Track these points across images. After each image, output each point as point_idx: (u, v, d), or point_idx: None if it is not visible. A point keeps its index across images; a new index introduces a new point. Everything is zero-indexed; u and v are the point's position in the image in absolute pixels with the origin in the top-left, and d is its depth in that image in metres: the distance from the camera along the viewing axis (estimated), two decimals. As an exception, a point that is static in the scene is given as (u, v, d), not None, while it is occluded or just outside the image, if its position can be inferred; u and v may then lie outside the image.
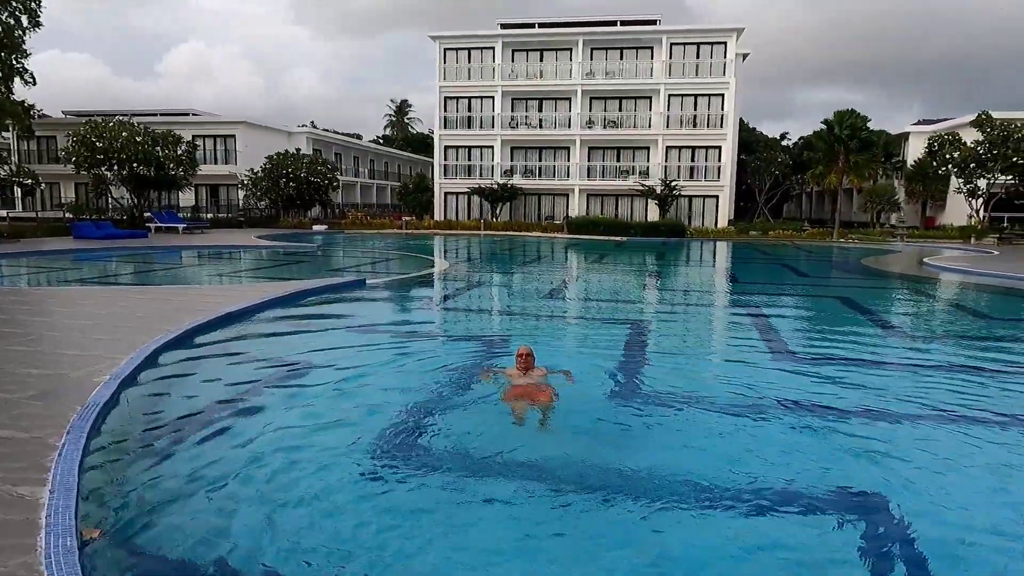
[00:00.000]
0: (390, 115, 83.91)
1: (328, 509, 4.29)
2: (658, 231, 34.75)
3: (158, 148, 32.40)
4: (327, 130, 59.76)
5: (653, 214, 40.17)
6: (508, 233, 38.41)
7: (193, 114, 47.88)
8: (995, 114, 32.84)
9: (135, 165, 32.04)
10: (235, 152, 44.55)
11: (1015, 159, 30.51)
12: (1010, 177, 32.30)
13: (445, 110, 43.51)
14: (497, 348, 8.81)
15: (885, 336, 10.46)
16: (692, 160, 41.45)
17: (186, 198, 43.87)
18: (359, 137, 65.01)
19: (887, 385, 7.31)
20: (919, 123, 48.32)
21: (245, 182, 40.88)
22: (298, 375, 7.26)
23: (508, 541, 3.99)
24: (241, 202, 43.16)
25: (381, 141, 77.55)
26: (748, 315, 12.06)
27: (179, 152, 33.67)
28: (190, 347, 8.33)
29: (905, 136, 45.21)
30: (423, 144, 78.61)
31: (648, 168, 41.47)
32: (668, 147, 41.28)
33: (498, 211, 41.73)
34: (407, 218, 42.17)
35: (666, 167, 40.72)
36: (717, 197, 41.15)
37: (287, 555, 3.71)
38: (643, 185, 39.44)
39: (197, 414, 5.91)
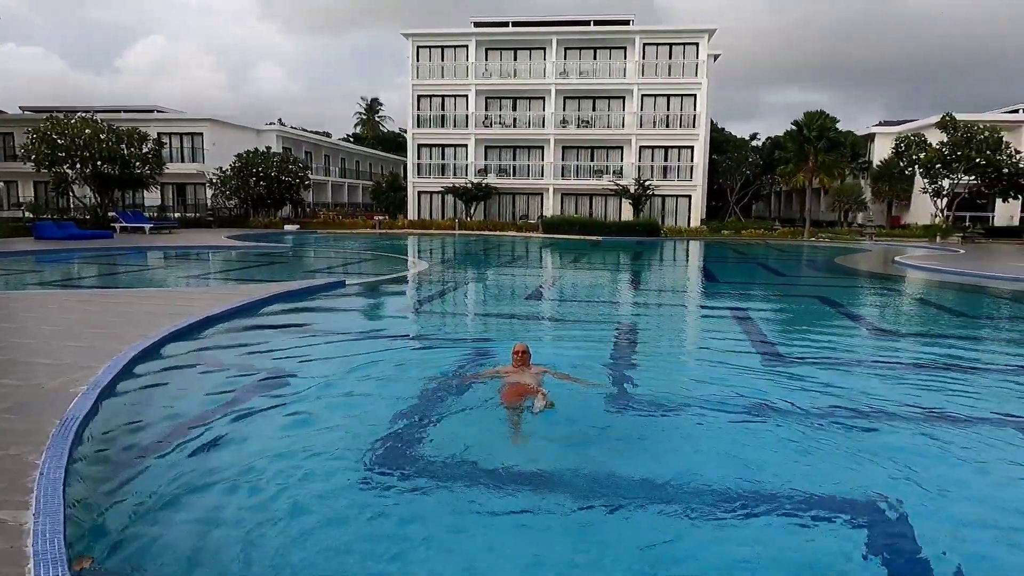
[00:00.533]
0: (360, 113, 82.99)
1: (325, 520, 4.15)
2: (633, 230, 34.91)
3: (123, 146, 31.48)
4: (294, 128, 58.81)
5: (627, 213, 40.36)
6: (483, 233, 38.23)
7: (158, 111, 46.68)
8: (958, 116, 33.68)
9: (99, 163, 31.08)
10: (203, 150, 43.55)
11: (978, 160, 31.34)
12: (972, 177, 33.17)
13: (419, 108, 43.14)
14: (486, 350, 8.65)
15: (870, 335, 10.56)
16: (665, 160, 41.76)
17: (152, 197, 42.71)
18: (328, 135, 64.04)
19: (871, 385, 7.34)
20: (883, 124, 49.41)
21: (214, 181, 39.98)
22: (285, 383, 7.01)
23: (512, 550, 3.91)
24: (210, 201, 42.20)
25: (351, 139, 76.64)
26: (734, 315, 12.09)
27: (145, 150, 32.77)
28: (169, 354, 8.00)
29: (871, 137, 46.17)
30: (394, 143, 78.00)
31: (622, 167, 41.67)
32: (641, 147, 41.52)
33: (472, 210, 41.54)
34: (379, 217, 41.72)
35: (640, 167, 40.95)
36: (690, 196, 41.52)
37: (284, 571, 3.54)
38: (617, 184, 39.61)
39: (181, 426, 5.64)
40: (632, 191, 38.95)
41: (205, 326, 9.51)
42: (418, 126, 43.20)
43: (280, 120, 54.09)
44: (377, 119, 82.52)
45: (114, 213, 33.77)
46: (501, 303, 14.04)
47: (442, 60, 42.92)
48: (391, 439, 5.45)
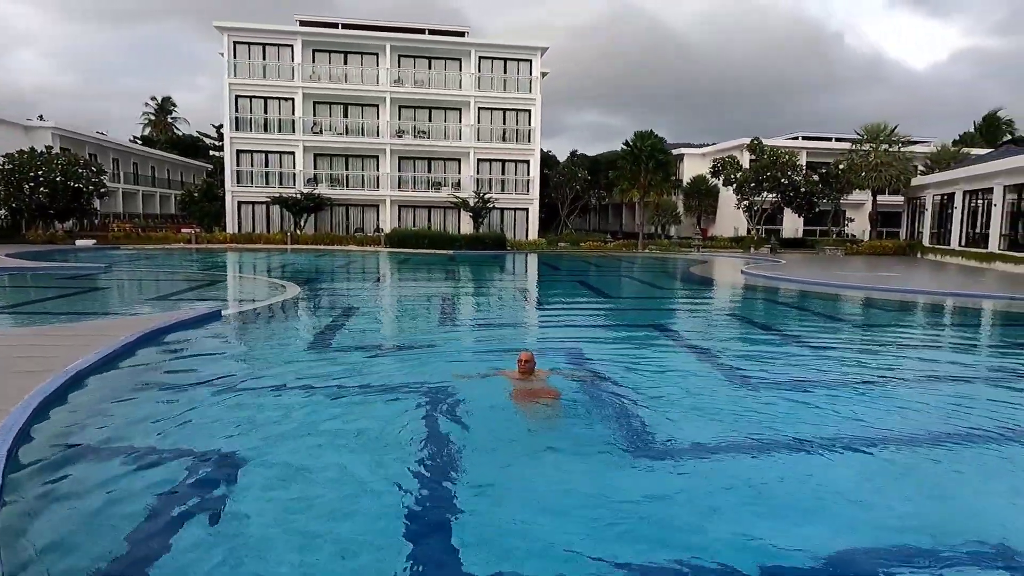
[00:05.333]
0: (149, 114, 73.71)
1: None
2: (483, 244, 34.41)
3: None
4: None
5: (466, 226, 39.84)
6: (320, 247, 35.37)
7: None
8: (766, 141, 37.98)
9: None
10: (-52, 148, 35.30)
11: (782, 179, 35.50)
12: (774, 195, 37.48)
13: (237, 110, 38.88)
14: (444, 388, 7.28)
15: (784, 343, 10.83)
16: (503, 173, 41.94)
17: None
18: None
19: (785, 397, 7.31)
20: (688, 145, 54.42)
21: (-30, 186, 32.50)
22: (211, 465, 5.17)
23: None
24: (-36, 211, 34.28)
25: (138, 142, 67.56)
26: (668, 332, 11.84)
27: None
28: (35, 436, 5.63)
29: (680, 157, 50.53)
30: (192, 147, 70.37)
31: (460, 180, 41.11)
32: (479, 159, 41.30)
33: (303, 223, 38.31)
34: (188, 230, 36.86)
35: (478, 179, 40.69)
36: (527, 210, 42.11)
37: None
38: (457, 197, 38.95)
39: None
40: (472, 204, 38.52)
41: (76, 385, 7.01)
42: (236, 129, 38.91)
43: (40, 117, 45.41)
44: (171, 120, 73.88)
45: None
46: (430, 327, 12.47)
47: (264, 59, 39.14)
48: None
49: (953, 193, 31.52)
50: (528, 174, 41.98)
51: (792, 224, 46.42)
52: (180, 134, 72.95)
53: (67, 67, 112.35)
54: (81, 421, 6.03)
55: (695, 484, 5.06)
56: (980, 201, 29.60)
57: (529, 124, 41.79)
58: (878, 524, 4.42)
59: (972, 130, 54.27)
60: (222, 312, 11.99)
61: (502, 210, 41.14)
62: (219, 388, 7.28)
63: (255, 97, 39.16)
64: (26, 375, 6.84)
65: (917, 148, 40.71)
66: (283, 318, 12.76)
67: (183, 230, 38.51)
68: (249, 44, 38.80)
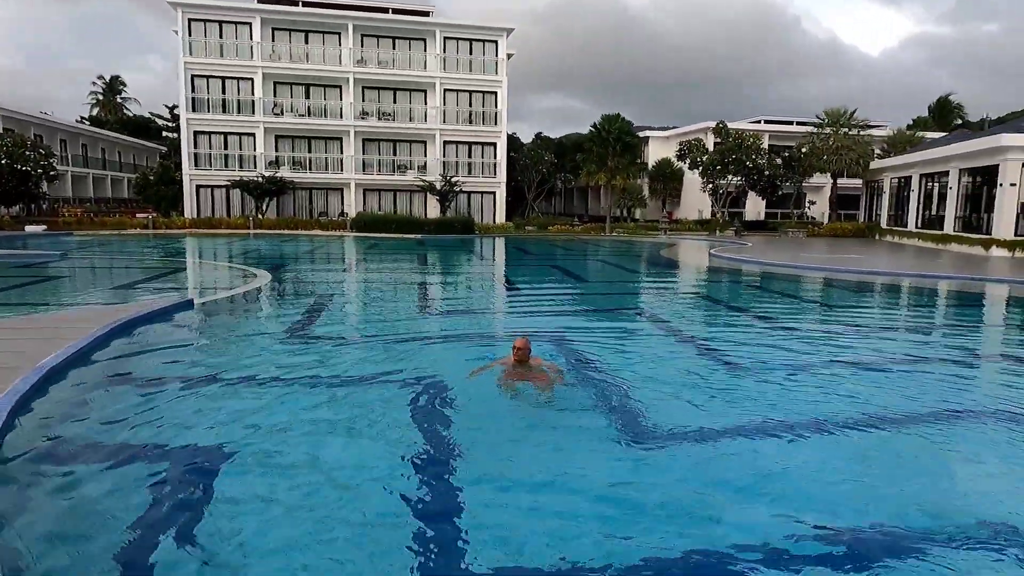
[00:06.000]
0: (96, 93, 70.69)
1: None
2: (452, 228, 34.09)
3: None
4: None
5: (433, 210, 39.40)
6: (284, 232, 34.59)
7: None
8: (730, 125, 38.36)
9: None
10: None
11: (746, 163, 35.97)
12: (739, 178, 37.99)
13: (193, 90, 37.55)
14: (432, 377, 7.17)
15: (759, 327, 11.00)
16: (469, 156, 41.54)
17: None
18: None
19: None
20: (651, 128, 54.69)
21: (-93, 170, 30.78)
22: (198, 459, 4.99)
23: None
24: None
25: (87, 123, 64.82)
26: (658, 319, 11.88)
27: None
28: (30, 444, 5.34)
29: (645, 140, 50.75)
30: (143, 128, 67.91)
31: (426, 163, 40.58)
32: (445, 142, 40.81)
33: (264, 207, 37.35)
34: (144, 215, 35.62)
35: (444, 162, 40.23)
36: (494, 193, 41.84)
37: None
38: (423, 180, 38.46)
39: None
40: (439, 187, 38.07)
41: (48, 383, 6.67)
42: (193, 110, 37.58)
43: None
44: (120, 100, 71.03)
45: None
46: (410, 314, 12.25)
47: (221, 37, 37.82)
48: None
49: (910, 176, 32.38)
50: (495, 157, 41.66)
51: (754, 207, 47.19)
52: (131, 115, 70.21)
53: (8, 47, 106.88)
54: (58, 424, 5.71)
55: (696, 470, 5.05)
56: (936, 184, 30.48)
57: (496, 106, 41.39)
58: (878, 506, 4.47)
59: (926, 114, 55.87)
60: (194, 301, 11.58)
61: (469, 193, 40.78)
62: (198, 381, 7.02)
63: (212, 77, 37.85)
64: (-4, 372, 6.47)
65: (874, 132, 41.67)
66: (257, 307, 12.40)
67: (138, 215, 37.19)
68: (205, 21, 37.43)
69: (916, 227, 31.50)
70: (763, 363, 8.29)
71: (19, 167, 30.81)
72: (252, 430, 5.62)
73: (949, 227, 28.32)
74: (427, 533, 3.96)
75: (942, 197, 29.54)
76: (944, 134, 41.72)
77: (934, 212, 30.47)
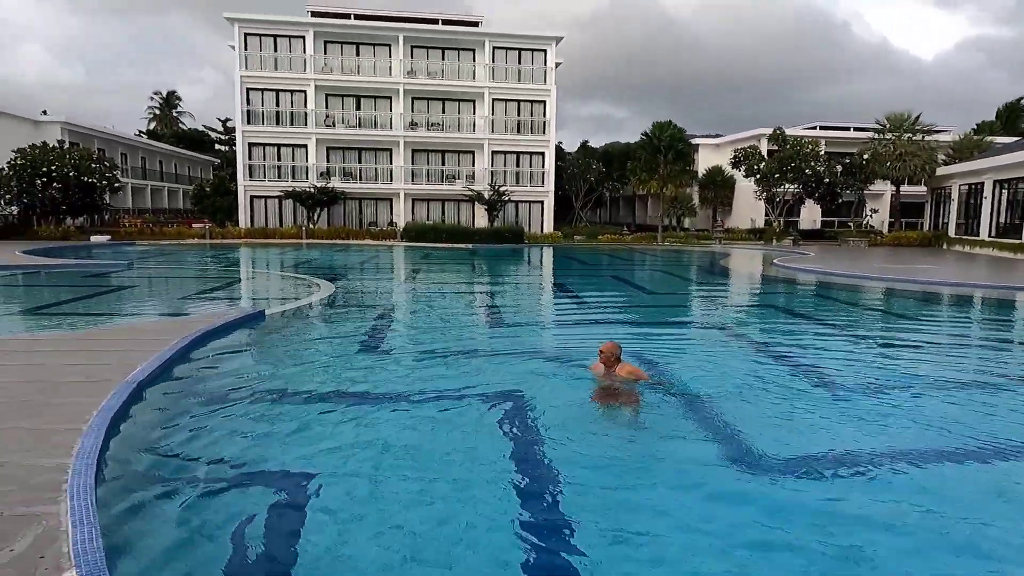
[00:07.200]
0: (154, 108, 73.08)
1: None
2: (502, 238, 33.86)
3: None
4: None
5: (480, 219, 39.28)
6: (336, 242, 34.83)
7: None
8: (788, 131, 37.30)
9: None
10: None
11: (805, 170, 34.87)
12: (796, 186, 36.87)
13: (248, 103, 38.27)
14: (514, 393, 6.79)
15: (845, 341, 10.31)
16: (517, 165, 41.35)
17: None
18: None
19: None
20: (701, 136, 53.71)
21: (-18, 182, 31.95)
22: (299, 478, 4.69)
23: None
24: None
25: (145, 136, 66.92)
26: (746, 338, 11.32)
27: None
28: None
29: (695, 148, 49.82)
30: (198, 141, 69.80)
31: (474, 172, 40.54)
32: (494, 152, 40.70)
33: (316, 217, 37.76)
34: (200, 225, 36.36)
35: (492, 172, 40.10)
36: (543, 202, 41.52)
37: None
38: (471, 190, 38.36)
39: None
40: (487, 197, 37.91)
41: (137, 399, 6.52)
42: (248, 123, 38.29)
43: (44, 112, 44.59)
44: (176, 114, 73.23)
45: None
46: (483, 326, 11.95)
47: (275, 51, 38.51)
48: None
49: (982, 183, 30.91)
50: (543, 166, 41.38)
51: (810, 216, 45.76)
52: (185, 128, 72.31)
53: (69, 61, 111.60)
54: (158, 441, 5.51)
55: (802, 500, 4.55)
56: (1013, 190, 28.99)
57: (544, 115, 41.15)
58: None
59: (992, 119, 53.55)
60: (265, 312, 11.47)
61: (517, 203, 40.56)
62: (280, 394, 6.84)
63: (267, 90, 38.53)
64: (81, 388, 6.33)
65: (939, 137, 40.03)
66: (327, 318, 12.24)
67: (194, 225, 38.04)
68: (260, 36, 38.17)
69: (990, 235, 30.00)
70: (872, 385, 7.67)
71: (86, 179, 31.69)
72: (344, 447, 5.42)
73: (1028, 235, 26.87)
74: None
75: (1020, 204, 28.05)
76: (1015, 139, 39.79)
77: (1011, 219, 28.95)
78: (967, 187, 32.85)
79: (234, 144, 44.03)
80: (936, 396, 7.27)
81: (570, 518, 4.27)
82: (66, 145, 35.96)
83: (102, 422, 5.42)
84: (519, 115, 41.17)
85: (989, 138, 41.06)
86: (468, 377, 7.75)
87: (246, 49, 37.89)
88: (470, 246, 31.93)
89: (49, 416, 5.51)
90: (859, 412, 6.54)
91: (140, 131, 69.83)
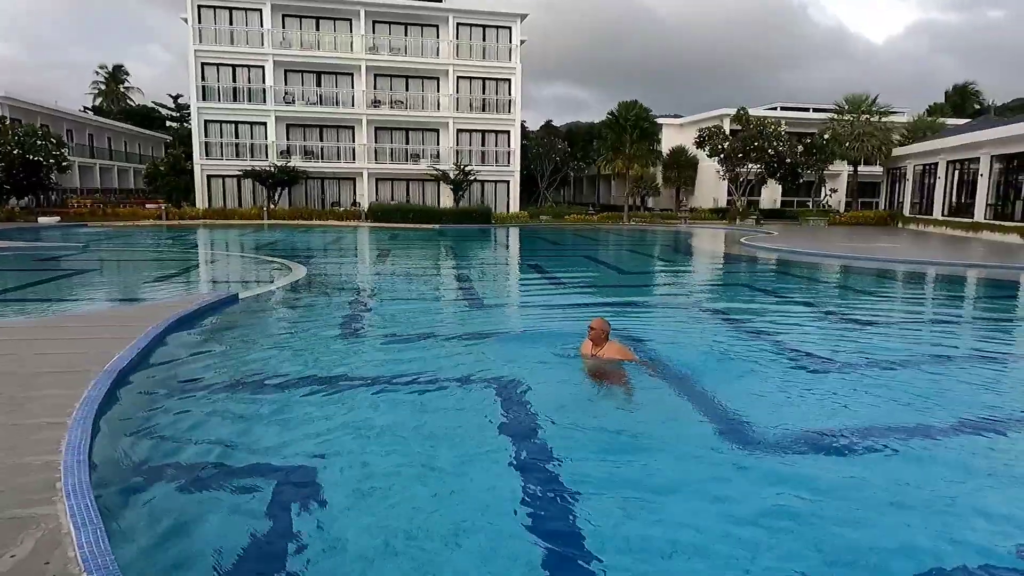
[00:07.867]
0: (99, 83, 69.80)
1: None
2: (470, 218, 33.57)
3: None
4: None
5: (446, 199, 38.86)
6: (299, 222, 34.06)
7: None
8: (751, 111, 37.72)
9: None
10: None
11: (768, 150, 35.40)
12: (759, 166, 37.43)
13: (203, 79, 36.88)
14: (508, 377, 6.74)
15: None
16: (483, 144, 40.94)
17: None
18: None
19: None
20: (664, 116, 53.98)
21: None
22: (294, 467, 4.56)
23: None
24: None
25: (91, 113, 64.03)
26: (721, 313, 11.42)
27: None
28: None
29: (659, 128, 49.99)
30: (146, 118, 67.32)
31: (439, 151, 39.99)
32: (459, 130, 40.19)
33: (276, 197, 36.79)
34: (154, 205, 35.11)
35: (458, 151, 39.63)
36: (508, 182, 41.27)
37: None
38: (436, 169, 37.86)
39: None
40: (452, 176, 37.47)
41: (120, 383, 6.23)
42: (203, 99, 36.91)
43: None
44: (123, 90, 70.17)
45: None
46: (461, 308, 11.78)
47: (231, 24, 37.10)
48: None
49: (935, 163, 31.83)
50: (509, 145, 41.06)
51: (770, 195, 46.63)
52: (134, 104, 69.46)
53: (9, 35, 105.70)
54: (146, 432, 5.25)
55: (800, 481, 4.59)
56: (964, 171, 29.94)
57: (509, 94, 40.74)
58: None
59: (942, 101, 55.17)
60: (238, 296, 11.10)
61: (483, 182, 40.21)
62: (265, 379, 6.62)
63: (222, 64, 37.17)
64: (59, 379, 6.00)
65: (894, 118, 41.05)
66: (304, 302, 11.90)
67: (148, 206, 36.70)
68: (215, 8, 36.70)
69: (942, 215, 30.99)
70: (855, 363, 7.82)
71: (30, 157, 30.19)
72: (333, 430, 5.29)
73: (980, 215, 27.82)
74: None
75: (972, 184, 29.00)
76: (966, 121, 41.09)
77: (962, 199, 29.94)
78: (921, 167, 33.80)
79: (187, 121, 42.55)
80: (905, 369, 7.45)
81: (567, 494, 4.21)
82: (7, 121, 34.13)
83: (87, 414, 5.15)
84: (484, 93, 40.68)
85: (941, 119, 42.27)
86: (450, 359, 7.57)
87: (200, 22, 36.41)
88: (437, 226, 31.57)
89: (29, 410, 5.20)
90: (832, 386, 6.65)
91: (85, 107, 66.78)
